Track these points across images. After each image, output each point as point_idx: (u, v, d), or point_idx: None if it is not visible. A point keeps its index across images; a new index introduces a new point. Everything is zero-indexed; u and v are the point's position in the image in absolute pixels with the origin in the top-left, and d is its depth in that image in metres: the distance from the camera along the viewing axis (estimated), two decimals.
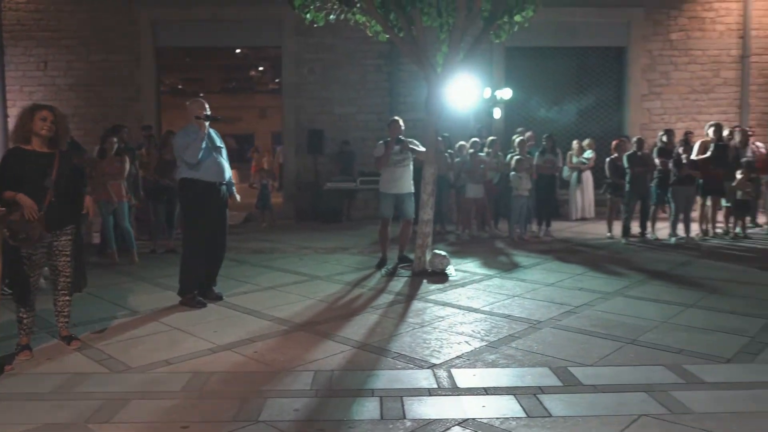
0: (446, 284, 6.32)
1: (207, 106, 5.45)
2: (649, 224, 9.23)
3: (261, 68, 20.27)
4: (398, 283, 6.40)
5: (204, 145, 5.29)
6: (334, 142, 12.11)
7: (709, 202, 9.24)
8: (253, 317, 5.10)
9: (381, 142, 7.23)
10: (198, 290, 5.51)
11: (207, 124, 5.38)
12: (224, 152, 5.60)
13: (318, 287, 6.24)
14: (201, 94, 17.54)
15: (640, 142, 9.17)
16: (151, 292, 6.11)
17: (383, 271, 6.95)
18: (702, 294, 5.75)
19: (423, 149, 6.94)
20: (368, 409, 3.24)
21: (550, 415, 3.12)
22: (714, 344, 4.22)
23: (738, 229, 9.27)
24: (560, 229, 10.18)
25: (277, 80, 19.25)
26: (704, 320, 4.83)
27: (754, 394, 3.37)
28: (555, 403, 3.26)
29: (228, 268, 6.13)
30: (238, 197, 5.87)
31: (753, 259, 7.64)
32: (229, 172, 5.62)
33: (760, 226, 10.07)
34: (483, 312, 5.21)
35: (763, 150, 9.87)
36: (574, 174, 11.33)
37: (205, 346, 4.34)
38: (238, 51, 16.68)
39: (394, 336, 4.57)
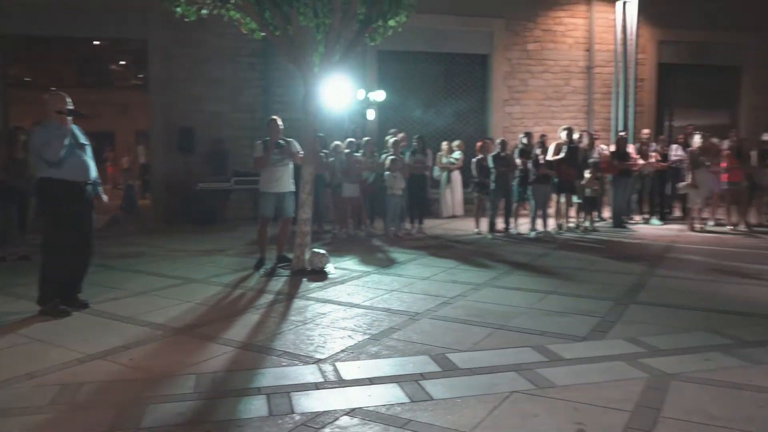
0: (326, 282, 6.39)
1: (69, 99, 5.08)
2: (512, 220, 9.96)
3: (123, 62, 19.05)
4: (278, 283, 6.37)
5: (67, 141, 4.93)
6: (207, 140, 11.71)
7: (563, 199, 10.14)
8: (126, 324, 4.85)
9: (259, 142, 7.16)
10: (60, 298, 5.12)
11: (70, 119, 5.02)
12: (89, 149, 5.25)
13: (194, 290, 6.05)
14: (53, 88, 16.14)
15: (503, 144, 9.84)
16: (4, 302, 5.57)
17: (262, 271, 6.89)
18: (559, 281, 6.32)
19: (302, 153, 6.97)
20: (256, 406, 3.23)
21: (432, 399, 3.31)
22: (571, 325, 4.68)
23: (587, 223, 10.27)
24: (432, 226, 10.64)
25: (140, 75, 18.21)
26: (562, 305, 5.33)
27: (605, 366, 3.80)
28: (436, 388, 3.46)
29: (93, 274, 5.73)
30: (105, 197, 5.53)
31: (600, 249, 8.50)
32: (94, 171, 5.28)
33: (605, 219, 11.21)
34: (363, 307, 5.35)
35: (606, 152, 10.98)
36: (444, 174, 11.89)
37: (72, 356, 4.06)
38: (96, 42, 15.54)
39: (278, 334, 4.57)
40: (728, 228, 10.10)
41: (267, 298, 5.75)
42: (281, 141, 7.05)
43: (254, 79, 12.10)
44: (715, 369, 3.73)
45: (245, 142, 11.32)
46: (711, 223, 10.41)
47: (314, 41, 6.92)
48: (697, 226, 10.08)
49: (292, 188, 7.15)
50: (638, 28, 13.13)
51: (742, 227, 10.00)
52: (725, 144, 10.57)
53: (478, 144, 10.12)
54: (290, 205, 7.12)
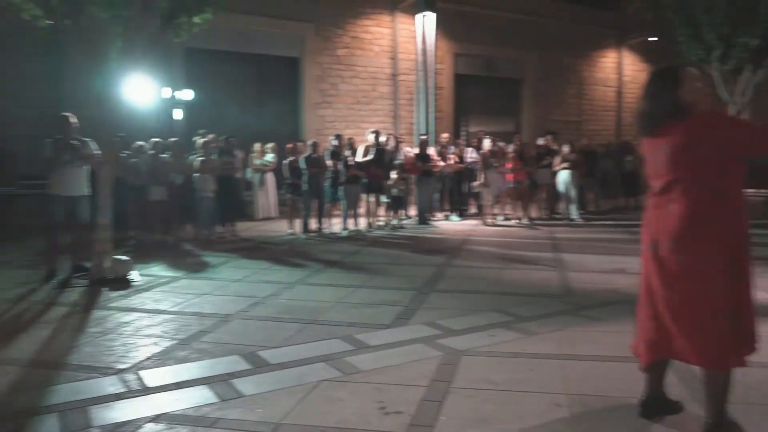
0: (130, 290, 6.03)
1: None
2: (325, 220, 10.22)
3: None
4: (73, 294, 5.86)
5: None
6: None
7: (372, 199, 10.65)
8: None
9: (49, 140, 6.50)
10: None
11: None
12: None
13: None
14: None
15: (315, 146, 10.06)
16: None
17: (53, 282, 6.27)
18: (368, 276, 6.66)
19: (99, 152, 6.48)
20: (46, 426, 2.98)
21: (243, 396, 3.33)
22: (377, 315, 4.98)
23: (395, 221, 10.91)
24: (246, 228, 10.50)
25: None
26: (370, 297, 5.63)
27: (406, 349, 4.12)
28: (246, 385, 3.48)
29: None
30: None
31: (406, 244, 9.09)
32: None
33: (411, 217, 11.99)
34: (171, 312, 5.15)
35: (411, 154, 11.74)
36: (258, 176, 11.79)
37: None
38: None
39: (73, 348, 4.22)
40: (514, 221, 11.41)
41: (59, 311, 5.26)
42: (75, 141, 6.49)
43: (41, 72, 10.90)
44: (499, 343, 4.24)
45: (32, 141, 10.11)
46: (500, 217, 11.67)
47: (111, 34, 6.46)
48: (489, 220, 11.25)
49: (86, 191, 6.61)
50: (436, 40, 14.23)
51: (525, 220, 11.35)
52: (510, 147, 11.90)
53: (289, 146, 10.23)
54: (84, 210, 6.57)
